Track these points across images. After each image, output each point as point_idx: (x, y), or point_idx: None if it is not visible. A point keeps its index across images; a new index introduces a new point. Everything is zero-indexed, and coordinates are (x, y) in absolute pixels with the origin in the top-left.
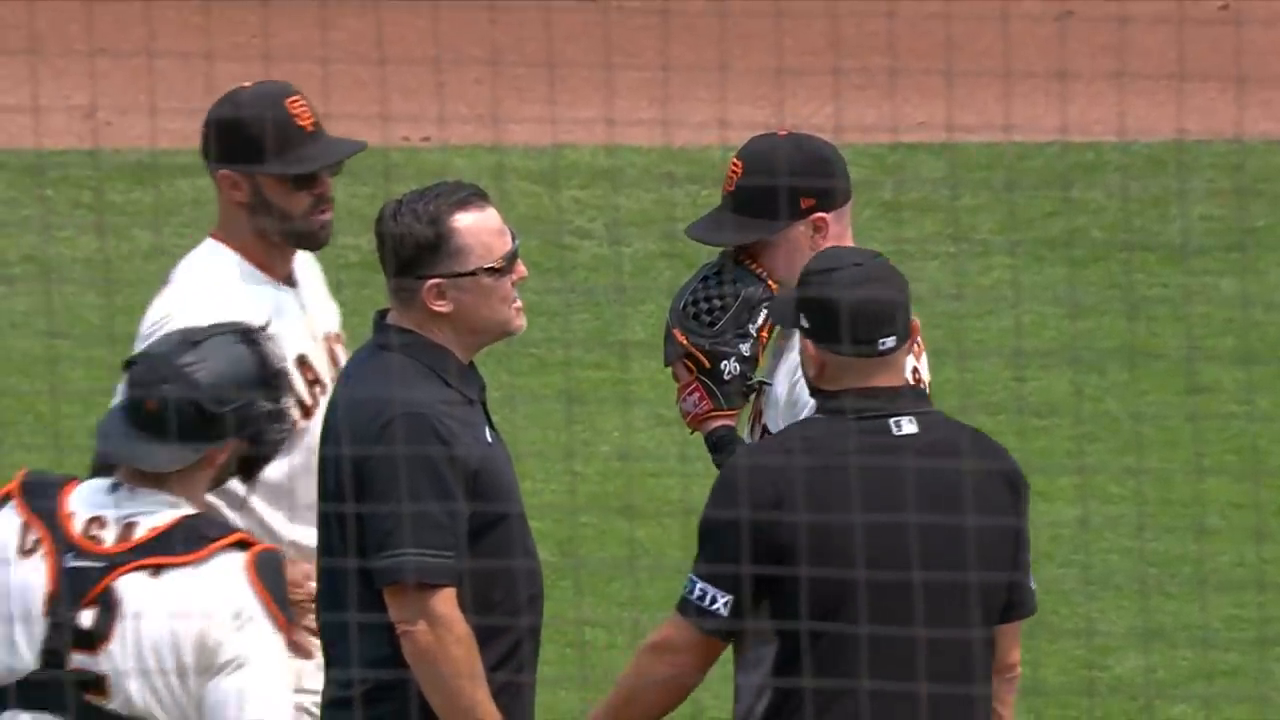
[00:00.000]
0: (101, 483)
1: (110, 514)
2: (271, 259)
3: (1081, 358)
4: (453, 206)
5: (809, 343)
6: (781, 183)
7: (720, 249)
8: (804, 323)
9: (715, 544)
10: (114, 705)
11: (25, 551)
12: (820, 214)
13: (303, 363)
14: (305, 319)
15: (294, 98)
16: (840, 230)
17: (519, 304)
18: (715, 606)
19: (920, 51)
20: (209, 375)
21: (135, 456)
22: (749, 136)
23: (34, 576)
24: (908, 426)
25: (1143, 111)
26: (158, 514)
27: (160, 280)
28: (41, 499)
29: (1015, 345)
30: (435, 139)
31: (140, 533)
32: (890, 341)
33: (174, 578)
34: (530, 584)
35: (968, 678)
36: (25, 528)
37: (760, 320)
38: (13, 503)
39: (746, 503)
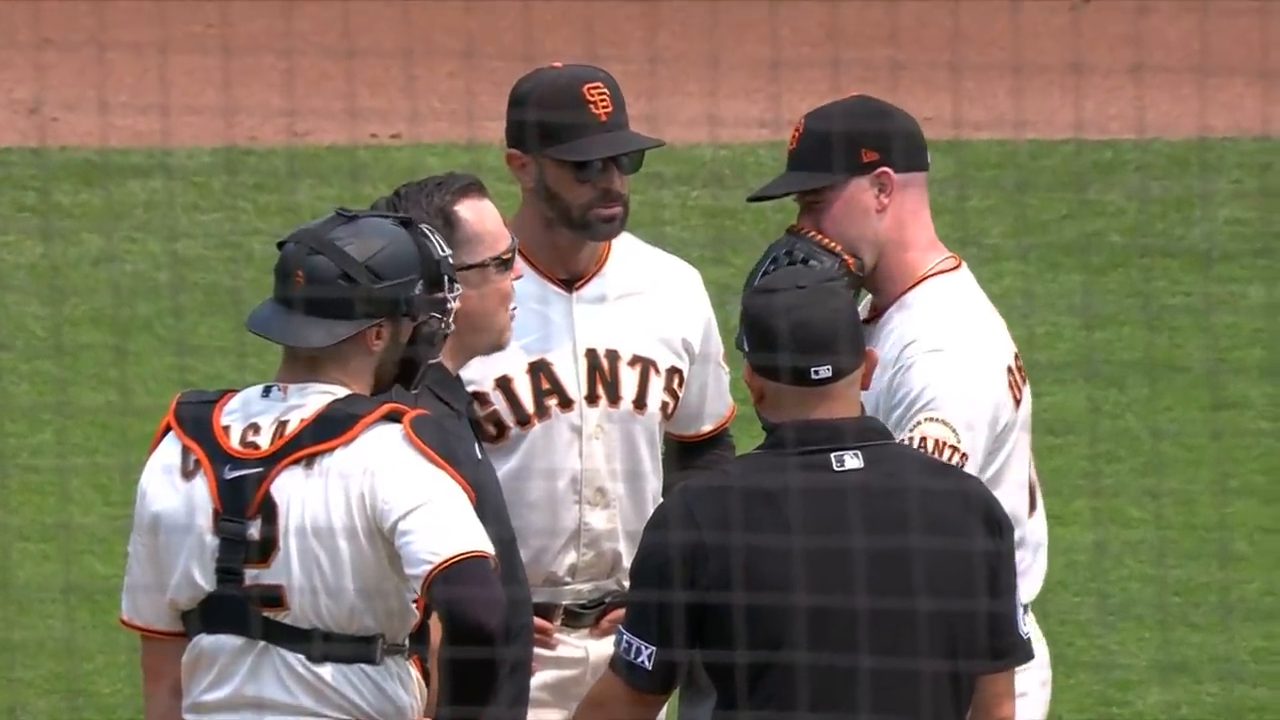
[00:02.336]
0: (255, 390)
1: (265, 418)
2: (551, 255)
3: (1099, 371)
4: (457, 195)
5: (747, 367)
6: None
7: (788, 230)
8: (744, 345)
9: (638, 592)
10: (292, 617)
11: (187, 474)
12: (885, 169)
13: (540, 369)
14: (568, 326)
15: (594, 84)
16: (914, 198)
17: (514, 311)
18: (640, 659)
19: (925, 42)
20: (361, 249)
21: (285, 333)
22: (741, 133)
23: (198, 496)
24: (851, 461)
25: (1164, 107)
26: (308, 405)
27: (110, 288)
28: (196, 421)
29: (1028, 358)
30: (406, 136)
31: (291, 428)
32: (826, 371)
33: (327, 464)
34: (516, 614)
35: (927, 714)
36: (185, 452)
37: None
38: (172, 432)
39: (668, 550)
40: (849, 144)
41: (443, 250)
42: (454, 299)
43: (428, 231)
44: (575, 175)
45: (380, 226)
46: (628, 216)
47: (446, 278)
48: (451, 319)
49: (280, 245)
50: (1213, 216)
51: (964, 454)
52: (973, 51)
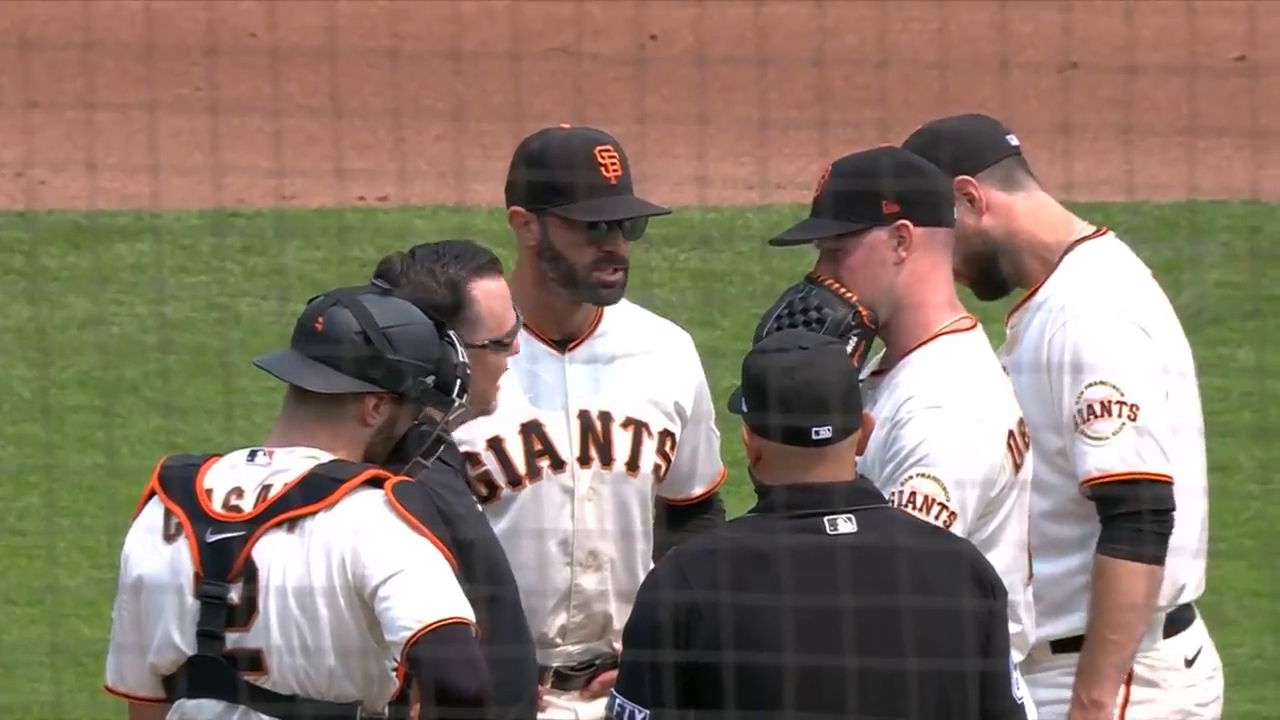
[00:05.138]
0: (240, 454)
1: (249, 482)
2: (545, 316)
3: None
4: (472, 273)
5: (746, 428)
6: (845, 192)
7: (806, 277)
8: (743, 406)
9: (631, 656)
10: (272, 682)
11: (169, 537)
12: (904, 222)
13: (532, 429)
14: (561, 387)
15: (605, 147)
16: (934, 254)
17: (500, 382)
18: None
19: (914, 104)
20: (384, 316)
21: (287, 371)
22: (729, 195)
23: (179, 559)
24: (844, 525)
25: (1153, 169)
26: (293, 469)
27: (97, 350)
28: (179, 484)
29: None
30: (394, 198)
31: (275, 491)
32: (826, 432)
33: (309, 527)
34: (520, 673)
35: None
36: (167, 515)
37: (850, 348)
38: (156, 495)
39: (661, 612)
40: (871, 194)
41: (463, 359)
42: (459, 405)
43: (454, 338)
44: (583, 236)
45: (411, 310)
46: (627, 282)
47: (459, 383)
48: (451, 424)
49: (310, 300)
50: (1202, 279)
51: (953, 513)
52: (962, 114)
